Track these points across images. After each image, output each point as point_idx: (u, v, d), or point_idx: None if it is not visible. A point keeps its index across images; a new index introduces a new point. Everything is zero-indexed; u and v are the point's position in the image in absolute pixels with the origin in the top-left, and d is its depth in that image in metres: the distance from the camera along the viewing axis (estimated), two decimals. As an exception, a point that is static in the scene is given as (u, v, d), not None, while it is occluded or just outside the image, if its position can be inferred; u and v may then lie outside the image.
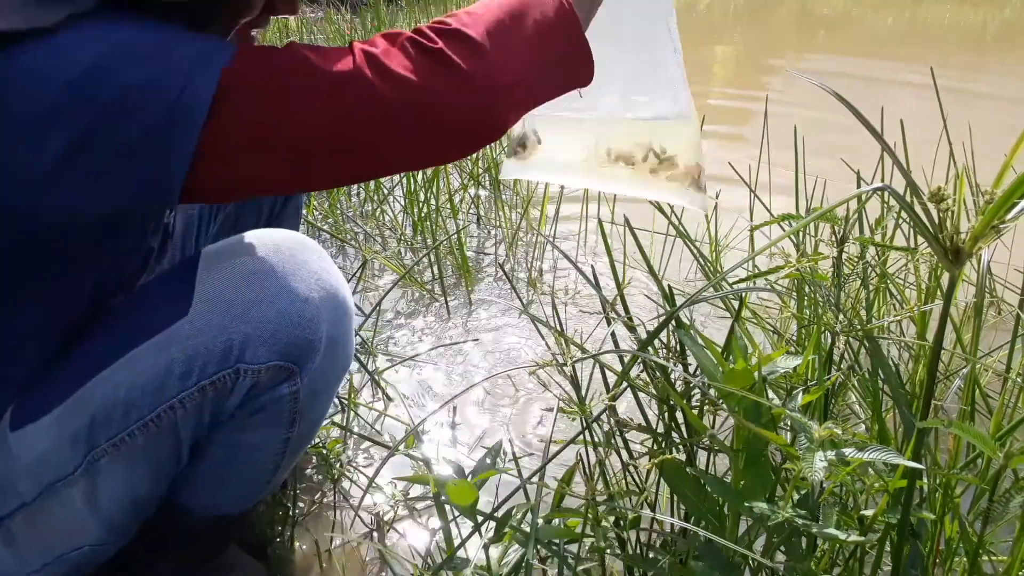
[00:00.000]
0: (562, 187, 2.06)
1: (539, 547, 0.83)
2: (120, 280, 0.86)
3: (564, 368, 0.92)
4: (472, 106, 0.69)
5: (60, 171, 0.66)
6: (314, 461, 1.24)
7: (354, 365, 1.22)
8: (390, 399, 1.42)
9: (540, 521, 0.82)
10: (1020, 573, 0.70)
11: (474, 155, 2.23)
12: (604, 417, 0.88)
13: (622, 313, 0.96)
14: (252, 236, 0.83)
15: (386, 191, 2.27)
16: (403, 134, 0.69)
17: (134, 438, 0.80)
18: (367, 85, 0.67)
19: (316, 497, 1.19)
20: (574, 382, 0.88)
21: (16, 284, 0.75)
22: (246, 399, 0.82)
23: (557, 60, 0.75)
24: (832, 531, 0.67)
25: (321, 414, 0.91)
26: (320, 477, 1.23)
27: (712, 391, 0.79)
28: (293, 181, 0.77)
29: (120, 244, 0.83)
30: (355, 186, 2.39)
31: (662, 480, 0.83)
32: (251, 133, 0.68)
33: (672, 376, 0.90)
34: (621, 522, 0.84)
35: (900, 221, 1.42)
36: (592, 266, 1.24)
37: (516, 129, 1.02)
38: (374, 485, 1.15)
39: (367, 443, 1.29)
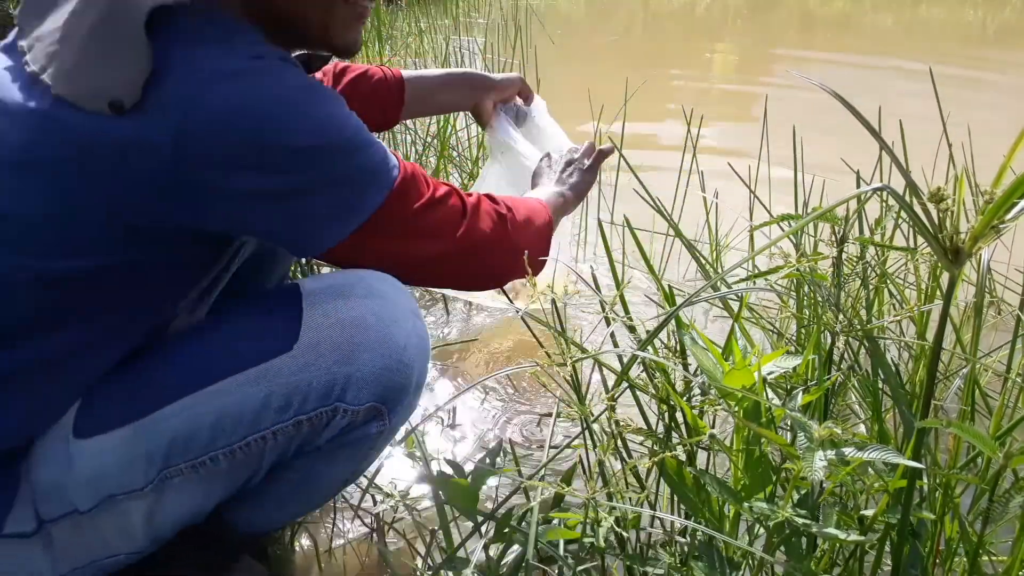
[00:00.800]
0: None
1: (539, 547, 0.83)
2: (198, 288, 0.87)
3: (564, 368, 0.92)
4: (509, 261, 0.95)
5: (230, 198, 0.74)
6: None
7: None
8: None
9: (540, 521, 0.82)
10: (1020, 573, 0.69)
11: (474, 157, 2.24)
12: (604, 417, 0.88)
13: (622, 313, 0.96)
14: (352, 276, 0.86)
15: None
16: (468, 268, 0.94)
17: (216, 463, 0.81)
18: (473, 233, 0.90)
19: (316, 497, 1.19)
20: (574, 382, 0.88)
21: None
22: (338, 435, 0.84)
23: (539, 251, 1.02)
24: (832, 531, 0.67)
25: (384, 447, 0.94)
26: (320, 477, 1.22)
27: (712, 391, 0.79)
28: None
29: (210, 255, 0.85)
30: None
31: (662, 480, 0.83)
32: (378, 247, 0.84)
33: (672, 376, 0.90)
34: (621, 522, 0.84)
35: (900, 221, 1.41)
36: (591, 266, 1.25)
37: None
38: (374, 485, 1.15)
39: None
